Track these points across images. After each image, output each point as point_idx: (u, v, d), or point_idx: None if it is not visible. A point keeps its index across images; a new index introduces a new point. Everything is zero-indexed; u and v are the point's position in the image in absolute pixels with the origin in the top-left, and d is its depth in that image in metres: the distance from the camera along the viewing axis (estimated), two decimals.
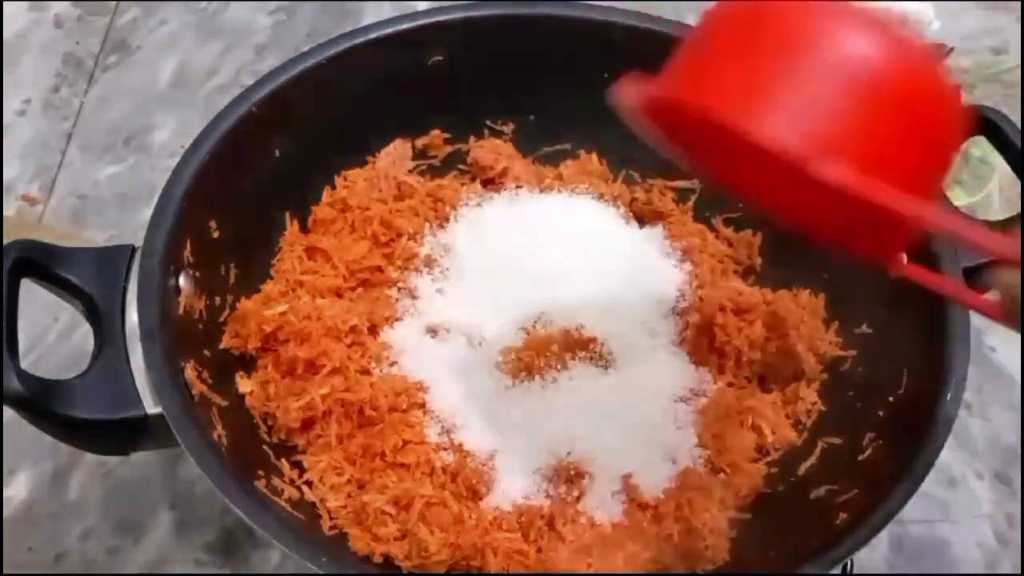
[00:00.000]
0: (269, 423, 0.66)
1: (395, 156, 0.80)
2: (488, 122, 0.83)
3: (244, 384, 0.67)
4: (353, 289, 0.74)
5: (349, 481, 0.64)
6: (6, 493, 0.78)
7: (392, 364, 0.70)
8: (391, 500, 0.61)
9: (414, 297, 0.74)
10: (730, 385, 0.73)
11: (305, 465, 0.65)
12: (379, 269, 0.75)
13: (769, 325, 0.73)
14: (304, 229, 0.77)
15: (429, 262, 0.76)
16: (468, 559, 0.60)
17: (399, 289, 0.75)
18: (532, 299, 0.74)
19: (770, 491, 0.68)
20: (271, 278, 0.74)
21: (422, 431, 0.67)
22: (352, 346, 0.70)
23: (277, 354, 0.68)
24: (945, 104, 0.45)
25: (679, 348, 0.74)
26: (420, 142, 0.82)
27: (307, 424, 0.66)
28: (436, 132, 0.82)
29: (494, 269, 0.75)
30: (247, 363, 0.69)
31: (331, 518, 0.62)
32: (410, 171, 0.81)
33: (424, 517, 0.61)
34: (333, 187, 0.78)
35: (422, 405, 0.68)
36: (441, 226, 0.79)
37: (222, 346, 0.68)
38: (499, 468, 0.65)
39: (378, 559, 0.60)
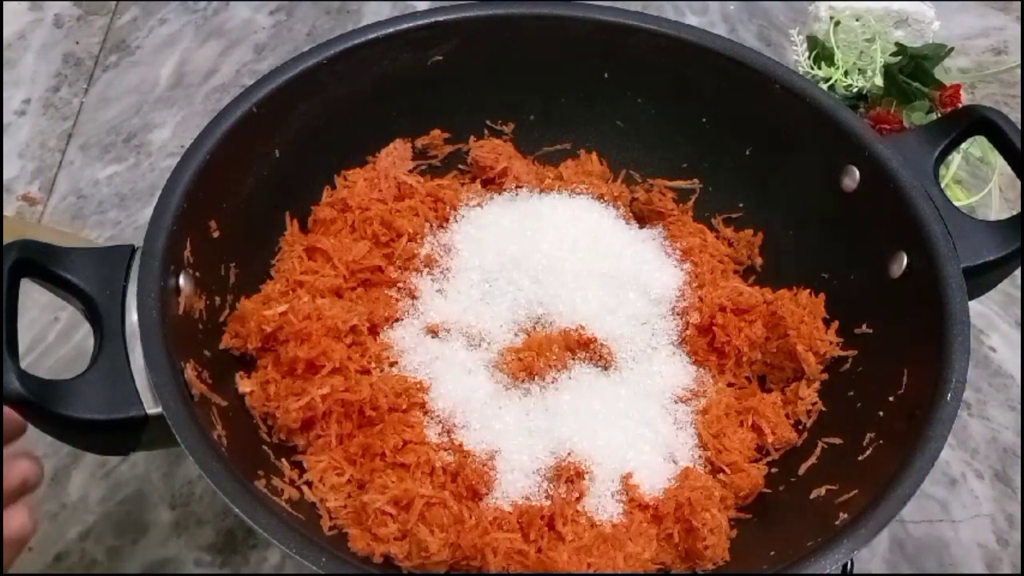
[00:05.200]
0: (269, 423, 0.66)
1: (395, 156, 0.80)
2: (488, 122, 0.83)
3: (244, 384, 0.67)
4: (353, 289, 0.74)
5: (349, 481, 0.64)
6: None
7: (392, 364, 0.70)
8: (391, 500, 0.61)
9: (414, 297, 0.74)
10: (730, 385, 0.73)
11: (305, 465, 0.65)
12: (379, 269, 0.75)
13: (769, 325, 0.73)
14: (304, 229, 0.77)
15: (429, 262, 0.76)
16: (468, 559, 0.60)
17: (399, 289, 0.75)
18: (532, 299, 0.74)
19: (770, 491, 0.68)
20: (271, 278, 0.73)
21: (422, 431, 0.66)
22: (352, 346, 0.69)
23: (277, 354, 0.67)
24: None
25: (679, 348, 0.74)
26: (420, 142, 0.82)
27: (307, 424, 0.66)
28: (436, 132, 0.82)
29: (494, 270, 0.75)
30: (247, 363, 0.69)
31: (331, 518, 0.62)
32: (410, 171, 0.81)
33: (424, 517, 0.61)
34: (333, 187, 0.78)
35: (422, 405, 0.68)
36: (441, 226, 0.79)
37: (222, 346, 0.68)
38: (499, 468, 0.65)
39: (378, 559, 0.60)
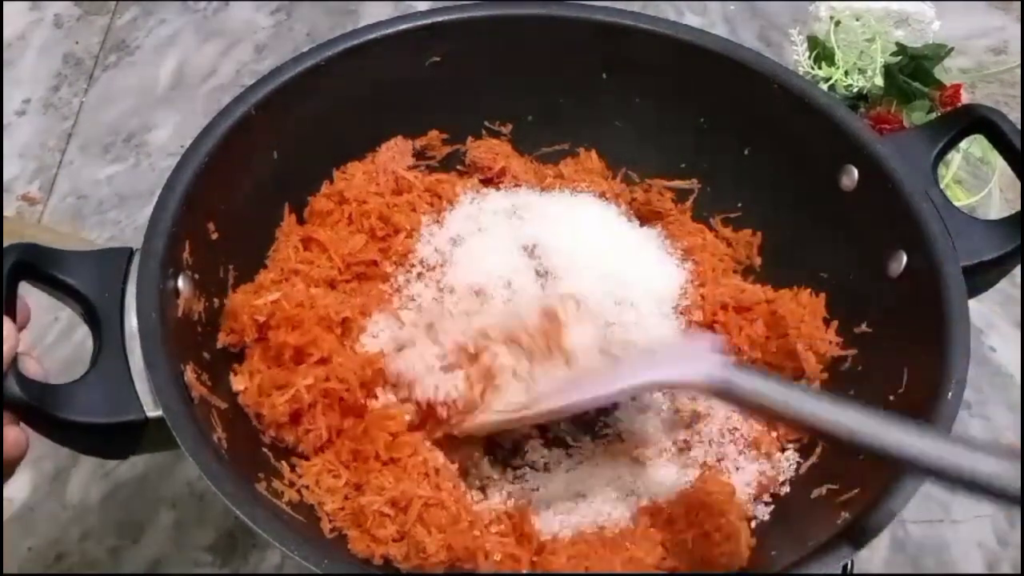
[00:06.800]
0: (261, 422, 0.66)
1: (395, 151, 0.80)
2: (486, 122, 0.83)
3: (237, 381, 0.66)
4: (348, 282, 0.73)
5: (345, 484, 0.64)
6: (6, 493, 0.78)
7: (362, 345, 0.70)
8: (389, 501, 0.61)
9: (402, 291, 0.74)
10: None
11: (298, 471, 0.64)
12: (375, 263, 0.74)
13: (769, 324, 0.73)
14: (301, 222, 0.76)
15: (426, 264, 0.75)
16: (463, 561, 0.60)
17: (392, 285, 0.74)
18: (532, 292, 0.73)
19: (772, 490, 0.68)
20: (265, 267, 0.73)
21: (403, 419, 0.66)
22: (342, 336, 0.69)
23: (266, 342, 0.67)
24: None
25: None
26: (419, 143, 0.81)
27: (295, 418, 0.65)
28: (434, 133, 0.81)
29: (492, 269, 0.75)
30: (244, 360, 0.68)
31: (330, 520, 0.62)
32: (409, 167, 0.80)
33: (422, 518, 0.60)
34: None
35: (383, 372, 0.68)
36: (437, 222, 0.78)
37: (219, 345, 0.67)
38: None
39: (378, 561, 0.60)
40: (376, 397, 0.68)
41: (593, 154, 0.83)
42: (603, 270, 0.75)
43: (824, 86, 1.03)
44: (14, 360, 0.54)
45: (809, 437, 0.69)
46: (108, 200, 0.99)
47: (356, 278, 0.74)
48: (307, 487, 0.63)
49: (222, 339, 0.67)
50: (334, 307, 0.68)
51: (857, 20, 1.06)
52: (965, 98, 1.02)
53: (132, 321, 0.59)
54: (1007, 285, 0.86)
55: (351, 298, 0.71)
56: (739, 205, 0.81)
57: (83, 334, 0.85)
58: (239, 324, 0.67)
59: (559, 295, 0.70)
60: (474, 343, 0.67)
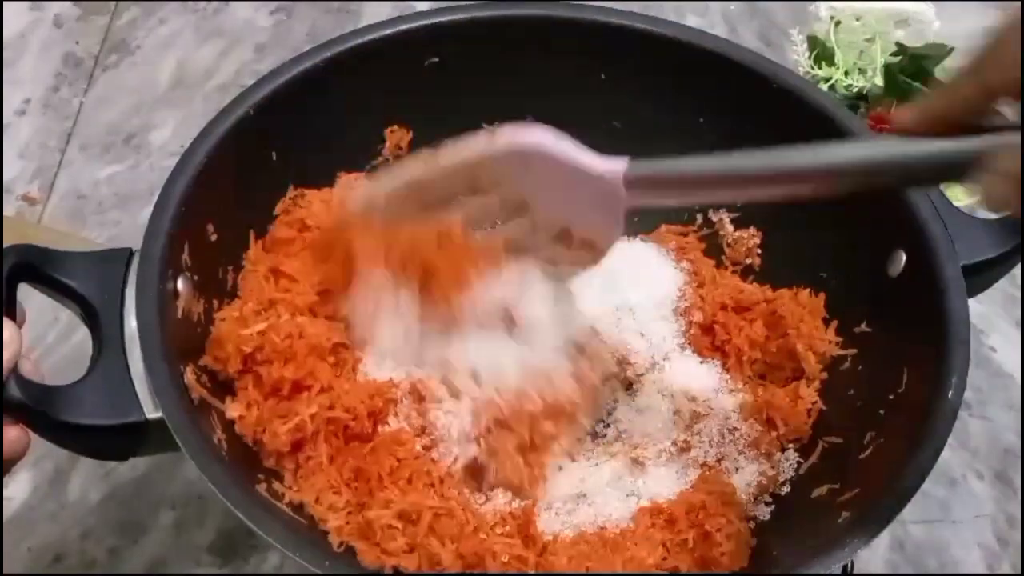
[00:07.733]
0: (256, 449, 0.64)
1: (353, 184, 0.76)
2: (485, 124, 0.83)
3: (232, 409, 0.63)
4: (327, 306, 0.69)
5: (347, 503, 0.62)
6: (6, 493, 0.78)
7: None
8: (397, 514, 0.60)
9: None
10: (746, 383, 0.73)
11: (294, 488, 0.63)
12: None
13: (769, 324, 0.73)
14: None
15: None
16: (472, 566, 0.60)
17: None
18: None
19: (772, 490, 0.68)
20: (238, 296, 0.70)
21: (414, 446, 0.64)
22: (335, 366, 0.66)
23: (258, 375, 0.64)
24: None
25: (686, 349, 0.74)
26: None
27: (296, 446, 0.64)
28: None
29: None
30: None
31: (336, 535, 0.61)
32: None
33: (433, 529, 0.60)
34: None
35: (395, 401, 0.66)
36: None
37: (201, 363, 0.64)
38: None
39: (388, 571, 0.59)
40: (388, 424, 0.66)
41: None
42: (599, 277, 0.74)
43: (824, 86, 1.03)
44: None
45: (809, 437, 0.70)
46: (108, 200, 0.99)
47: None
48: (308, 503, 0.62)
49: (207, 361, 0.65)
50: (324, 334, 0.66)
51: (857, 20, 1.06)
52: None
53: (132, 323, 0.59)
54: (1008, 285, 0.86)
55: (337, 323, 0.68)
56: (739, 205, 0.80)
57: (83, 335, 0.84)
58: (224, 353, 0.64)
59: (582, 331, 0.70)
60: (509, 410, 0.65)
